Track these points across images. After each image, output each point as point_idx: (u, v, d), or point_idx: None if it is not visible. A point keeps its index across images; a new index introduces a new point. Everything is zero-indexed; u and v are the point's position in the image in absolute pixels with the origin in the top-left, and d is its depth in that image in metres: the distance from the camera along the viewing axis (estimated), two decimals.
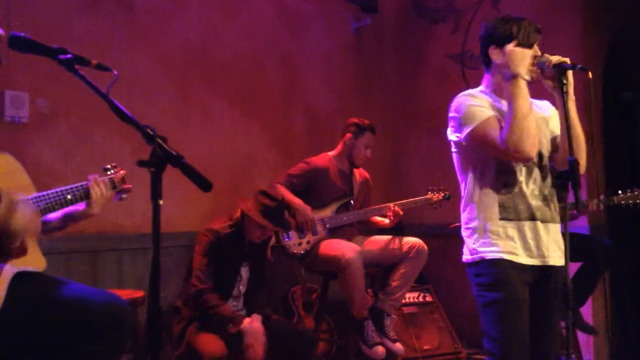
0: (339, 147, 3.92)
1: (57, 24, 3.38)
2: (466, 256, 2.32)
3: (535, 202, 2.23)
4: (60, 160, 3.40)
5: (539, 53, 2.26)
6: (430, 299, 4.26)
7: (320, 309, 3.87)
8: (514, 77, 2.16)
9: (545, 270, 2.24)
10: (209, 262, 3.10)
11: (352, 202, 3.90)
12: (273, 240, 3.59)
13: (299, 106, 4.74)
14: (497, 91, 2.32)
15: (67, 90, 3.37)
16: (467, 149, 2.29)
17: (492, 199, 2.24)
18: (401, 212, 3.73)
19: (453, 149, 2.38)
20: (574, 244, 3.71)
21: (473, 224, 2.29)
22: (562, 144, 2.26)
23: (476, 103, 2.25)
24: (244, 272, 3.26)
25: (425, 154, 5.17)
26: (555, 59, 2.17)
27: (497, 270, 2.21)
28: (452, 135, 2.32)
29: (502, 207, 2.22)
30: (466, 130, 2.23)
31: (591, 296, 4.00)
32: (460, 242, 3.79)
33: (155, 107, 3.81)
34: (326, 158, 3.93)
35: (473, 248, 2.28)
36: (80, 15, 3.52)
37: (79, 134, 3.49)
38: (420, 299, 4.22)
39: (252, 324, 3.04)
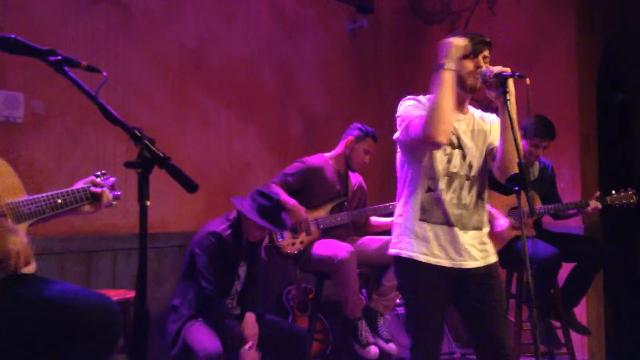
0: (338, 149, 3.93)
1: (53, 26, 3.40)
2: (390, 249, 2.50)
3: (452, 210, 2.38)
4: (55, 161, 3.41)
5: (482, 65, 2.37)
6: None
7: (315, 309, 3.88)
8: (440, 67, 2.27)
9: (463, 272, 2.39)
10: (215, 266, 3.12)
11: (346, 203, 3.92)
12: (267, 240, 3.60)
13: (295, 109, 4.75)
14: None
15: (62, 91, 3.38)
16: (403, 147, 2.49)
17: (416, 200, 2.41)
18: None
19: (398, 149, 2.55)
20: (568, 244, 3.78)
21: (398, 220, 2.48)
22: (502, 152, 2.35)
23: (414, 104, 2.41)
24: (242, 271, 3.28)
25: None
26: (497, 69, 2.28)
27: (411, 268, 2.40)
28: (395, 135, 2.49)
29: (423, 209, 2.39)
30: (400, 128, 2.40)
31: (585, 297, 4.02)
32: None
33: (152, 110, 3.83)
34: (322, 158, 3.94)
35: (394, 243, 2.47)
36: (77, 18, 3.53)
37: (73, 135, 3.50)
38: None
39: (251, 350, 3.07)
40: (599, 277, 4.22)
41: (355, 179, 4.04)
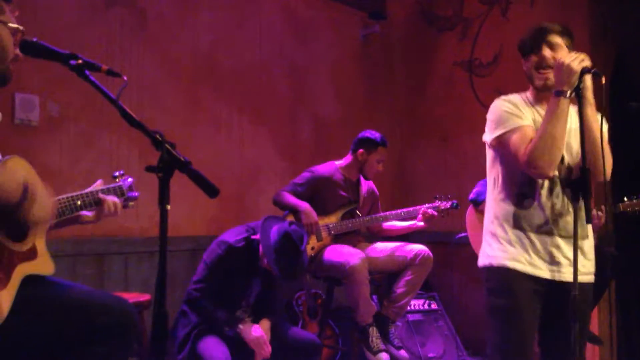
0: (349, 159, 3.91)
1: (68, 30, 3.42)
2: (480, 259, 2.32)
3: (552, 217, 2.19)
4: (69, 163, 3.43)
5: (546, 54, 2.22)
6: (436, 307, 4.26)
7: (325, 315, 3.87)
8: (558, 94, 2.09)
9: (558, 285, 2.18)
10: (215, 275, 3.08)
11: (357, 209, 3.91)
12: None
13: (307, 114, 4.76)
14: (537, 101, 2.28)
15: (77, 95, 3.40)
16: (494, 152, 2.31)
17: (509, 207, 2.23)
18: (436, 214, 3.74)
19: (487, 151, 2.38)
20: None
21: (490, 228, 2.29)
22: (585, 153, 2.15)
23: (511, 110, 2.23)
24: (255, 285, 3.24)
25: (432, 161, 5.18)
26: (571, 60, 2.08)
27: (503, 278, 2.20)
28: (484, 136, 2.33)
29: (517, 216, 2.21)
30: (494, 134, 2.23)
31: (597, 306, 3.99)
32: (466, 250, 3.81)
33: (164, 113, 3.84)
34: (332, 167, 3.93)
35: (485, 252, 2.28)
36: (92, 22, 3.56)
37: (87, 138, 3.52)
38: (426, 307, 4.22)
39: (250, 325, 3.04)
40: (610, 287, 4.19)
41: (366, 184, 4.03)
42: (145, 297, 3.03)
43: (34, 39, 1.77)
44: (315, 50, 4.84)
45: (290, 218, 3.65)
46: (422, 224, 3.82)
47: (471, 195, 3.67)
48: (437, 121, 5.15)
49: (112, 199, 2.05)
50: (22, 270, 1.72)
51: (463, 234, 3.82)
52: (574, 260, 2.05)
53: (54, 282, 1.85)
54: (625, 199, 3.72)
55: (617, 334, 4.40)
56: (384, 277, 3.77)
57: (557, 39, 2.24)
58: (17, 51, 1.79)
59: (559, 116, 2.07)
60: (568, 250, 2.18)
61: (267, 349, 3.03)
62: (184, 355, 3.03)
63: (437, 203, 3.90)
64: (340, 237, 3.78)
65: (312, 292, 4.15)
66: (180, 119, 3.95)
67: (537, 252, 2.18)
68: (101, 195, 2.01)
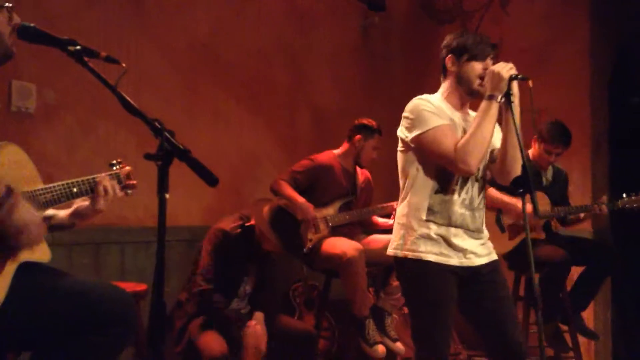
0: (345, 147, 3.92)
1: (65, 17, 3.38)
2: (392, 250, 2.42)
3: (463, 210, 2.34)
4: (65, 152, 3.40)
5: (490, 66, 2.35)
6: None
7: (322, 307, 3.87)
8: (490, 98, 2.25)
9: (471, 270, 2.35)
10: (216, 263, 3.08)
11: (354, 201, 3.90)
12: None
13: (305, 104, 4.73)
14: (449, 99, 2.42)
15: (74, 82, 3.37)
16: (412, 150, 2.38)
17: (423, 200, 2.35)
18: None
19: (399, 147, 2.46)
20: (577, 248, 3.75)
21: (402, 221, 2.40)
22: (505, 154, 2.34)
23: (430, 109, 2.33)
24: (251, 272, 3.24)
25: None
26: (500, 68, 2.25)
27: (418, 269, 2.33)
28: (401, 134, 2.41)
29: (431, 210, 2.33)
30: (415, 133, 2.32)
31: (593, 301, 3.99)
32: None
33: (162, 102, 3.81)
34: (330, 155, 3.92)
35: (398, 244, 2.39)
36: (89, 8, 3.52)
37: (84, 126, 3.49)
38: None
39: (256, 327, 3.04)
40: (606, 282, 4.20)
41: (363, 175, 4.02)
42: (142, 286, 3.01)
43: (32, 25, 1.74)
44: (315, 40, 4.81)
45: (283, 202, 3.63)
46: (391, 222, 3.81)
47: None
48: None
49: (108, 181, 2.01)
50: (18, 257, 1.70)
51: None
52: (527, 250, 2.16)
53: (52, 270, 1.83)
54: (624, 195, 3.72)
55: (612, 329, 4.41)
56: (381, 269, 3.76)
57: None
58: (13, 23, 1.74)
59: (490, 118, 2.24)
60: (471, 240, 2.36)
61: (260, 353, 3.02)
62: (182, 348, 3.02)
63: None
64: (337, 229, 3.77)
65: (309, 284, 4.14)
66: (177, 108, 3.91)
67: (447, 244, 2.32)
68: (98, 178, 1.98)
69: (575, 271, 3.84)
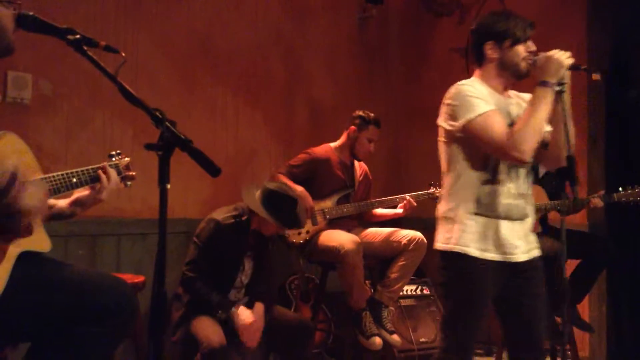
0: (342, 139, 3.91)
1: (61, 7, 3.35)
2: (440, 245, 2.35)
3: (510, 201, 2.26)
4: (62, 142, 3.39)
5: (533, 48, 2.29)
6: (428, 292, 4.27)
7: (318, 299, 3.87)
8: (544, 84, 2.16)
9: (513, 266, 2.28)
10: (205, 253, 3.07)
11: (352, 194, 3.90)
12: None
13: (302, 97, 4.72)
14: (490, 84, 2.32)
15: (70, 72, 3.35)
16: (459, 140, 2.28)
17: (471, 193, 2.26)
18: (415, 204, 3.75)
19: (442, 138, 2.36)
20: (573, 241, 3.76)
21: (450, 215, 2.31)
22: (554, 140, 2.27)
23: (475, 94, 2.23)
24: (247, 262, 3.23)
25: (427, 148, 5.09)
26: (556, 55, 2.19)
27: (463, 264, 2.26)
28: (444, 123, 2.31)
29: (479, 202, 2.25)
30: (462, 120, 2.21)
31: (588, 294, 4.01)
32: None
33: (159, 93, 3.79)
34: (328, 149, 3.92)
35: (446, 238, 2.31)
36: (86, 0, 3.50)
37: (81, 117, 3.48)
38: (418, 292, 4.23)
39: (244, 310, 3.04)
40: (601, 275, 4.21)
41: (361, 168, 4.02)
42: (139, 278, 3.00)
43: (31, 14, 1.73)
44: (312, 32, 4.80)
45: (273, 185, 3.63)
46: (401, 211, 3.83)
47: None
48: (432, 107, 5.10)
49: (109, 170, 2.01)
50: (17, 245, 1.69)
51: None
52: (562, 244, 2.17)
53: (52, 260, 1.82)
54: (621, 189, 3.73)
55: (607, 322, 4.43)
56: (378, 262, 3.77)
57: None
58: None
59: (545, 106, 2.14)
60: (516, 232, 2.28)
61: (254, 338, 3.01)
62: (179, 337, 3.02)
63: (432, 189, 3.91)
64: (335, 222, 3.77)
65: (305, 277, 4.14)
66: (174, 100, 3.90)
67: (495, 237, 2.25)
68: (99, 170, 1.97)
69: (569, 265, 3.85)
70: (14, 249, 1.68)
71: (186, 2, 3.99)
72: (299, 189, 3.63)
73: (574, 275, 3.88)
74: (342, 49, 5.03)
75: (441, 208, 2.37)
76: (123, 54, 1.76)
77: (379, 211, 3.99)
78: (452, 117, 2.26)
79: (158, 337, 1.56)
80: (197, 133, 3.89)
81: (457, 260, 2.27)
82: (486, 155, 2.24)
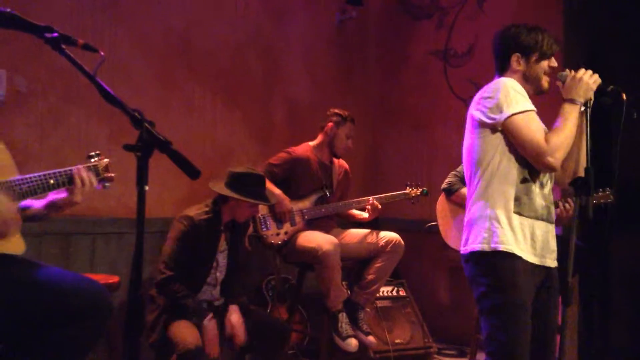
0: (320, 137, 3.92)
1: (38, 4, 3.30)
2: (477, 245, 2.21)
3: (543, 202, 2.25)
4: (36, 140, 3.34)
5: (555, 64, 2.33)
6: (404, 294, 4.29)
7: (295, 300, 3.87)
8: (572, 102, 2.22)
9: (546, 272, 2.25)
10: (180, 250, 3.05)
11: (330, 194, 3.90)
12: (251, 230, 3.57)
13: (280, 97, 4.72)
14: None
15: (46, 69, 3.30)
16: (495, 134, 2.21)
17: (509, 190, 2.20)
18: (380, 206, 3.74)
19: (477, 134, 2.26)
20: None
21: (485, 213, 2.21)
22: (570, 154, 2.25)
23: (519, 90, 2.23)
24: (221, 258, 3.22)
25: (404, 149, 5.19)
26: (585, 76, 2.24)
27: (509, 264, 2.16)
28: (482, 116, 2.23)
29: (518, 200, 2.19)
30: (507, 113, 2.17)
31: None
32: (436, 238, 3.81)
33: (136, 92, 3.76)
34: (307, 148, 3.92)
35: (484, 238, 2.19)
36: None
37: (56, 114, 3.43)
38: (394, 294, 4.24)
39: (231, 317, 3.04)
40: (573, 277, 4.27)
41: (341, 167, 4.03)
42: (114, 278, 2.97)
43: (8, 10, 1.70)
44: (291, 32, 4.79)
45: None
46: (366, 215, 3.83)
47: (444, 185, 3.69)
48: (410, 109, 5.15)
49: (85, 173, 1.97)
50: None
51: (434, 223, 3.84)
52: (570, 248, 2.13)
53: (26, 261, 1.79)
54: None
55: (579, 324, 4.50)
56: (355, 264, 3.78)
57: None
58: None
59: (574, 120, 2.20)
60: (546, 236, 2.25)
61: (215, 350, 3.00)
62: (154, 340, 2.98)
63: (408, 190, 3.93)
64: (313, 222, 3.77)
65: (282, 277, 4.14)
66: (151, 98, 3.87)
67: (533, 239, 2.20)
68: (74, 170, 1.94)
69: None
70: None
71: (164, 1, 3.96)
72: (278, 191, 3.63)
73: None
74: (321, 50, 5.03)
75: (474, 207, 2.26)
76: (102, 53, 1.73)
77: (354, 212, 4.00)
78: (493, 109, 2.20)
79: (135, 339, 1.55)
80: (174, 132, 3.91)
81: (502, 261, 2.16)
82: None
